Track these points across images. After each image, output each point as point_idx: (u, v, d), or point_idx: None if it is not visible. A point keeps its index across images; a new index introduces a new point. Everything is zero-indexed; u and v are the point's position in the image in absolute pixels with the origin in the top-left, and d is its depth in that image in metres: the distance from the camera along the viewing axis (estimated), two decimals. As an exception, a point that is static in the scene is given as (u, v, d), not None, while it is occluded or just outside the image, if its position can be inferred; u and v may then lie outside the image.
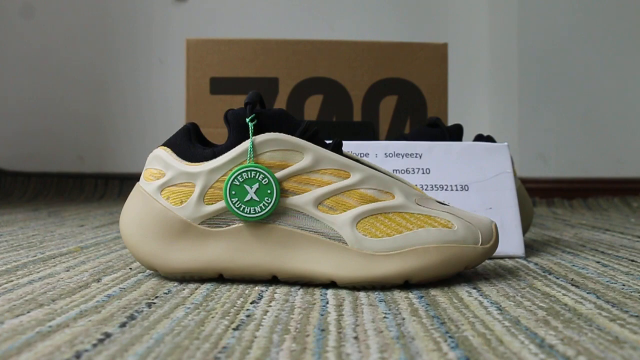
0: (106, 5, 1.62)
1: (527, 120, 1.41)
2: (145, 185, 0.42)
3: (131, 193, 0.43)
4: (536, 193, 1.34)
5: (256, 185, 0.39)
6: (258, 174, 0.39)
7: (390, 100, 0.87)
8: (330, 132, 0.82)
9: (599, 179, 1.39)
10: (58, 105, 1.62)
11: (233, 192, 0.39)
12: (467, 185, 0.54)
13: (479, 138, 0.61)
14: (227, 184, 0.39)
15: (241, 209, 0.39)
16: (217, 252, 0.40)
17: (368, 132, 0.84)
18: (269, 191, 0.39)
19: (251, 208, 0.39)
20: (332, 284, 0.40)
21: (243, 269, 0.40)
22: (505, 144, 0.56)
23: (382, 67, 0.87)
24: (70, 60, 1.62)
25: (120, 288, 0.39)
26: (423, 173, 0.55)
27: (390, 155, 0.55)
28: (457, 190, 0.54)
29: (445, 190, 0.54)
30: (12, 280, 0.41)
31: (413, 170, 0.55)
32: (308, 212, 0.39)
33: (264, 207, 0.39)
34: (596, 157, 1.41)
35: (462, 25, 1.63)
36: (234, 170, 0.39)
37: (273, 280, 0.41)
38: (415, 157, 0.55)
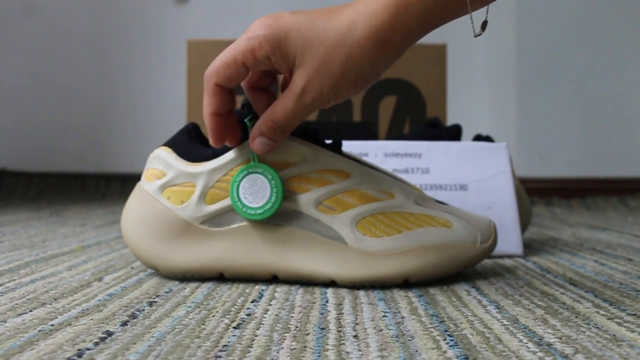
0: (107, 7, 1.63)
1: (526, 120, 1.41)
2: (146, 185, 0.42)
3: (132, 193, 0.43)
4: (534, 192, 1.34)
5: (260, 185, 0.39)
6: (263, 173, 0.39)
7: (389, 101, 0.88)
8: (330, 132, 0.83)
9: (597, 178, 1.39)
10: (60, 106, 1.62)
11: (238, 192, 0.39)
12: (466, 184, 0.55)
13: (478, 138, 0.61)
14: (233, 183, 0.39)
15: (245, 209, 0.39)
16: (217, 251, 0.40)
17: (368, 132, 0.84)
18: (272, 190, 0.39)
19: (255, 207, 0.39)
20: (332, 283, 0.40)
21: (243, 268, 0.40)
22: (504, 143, 0.57)
23: (382, 68, 0.87)
24: (71, 61, 1.62)
25: (121, 287, 0.39)
26: (422, 173, 0.55)
27: (390, 155, 0.55)
28: (456, 189, 0.54)
29: (444, 189, 0.54)
30: (14, 279, 0.42)
31: (412, 170, 0.55)
32: (308, 211, 0.40)
33: (267, 206, 0.39)
34: (594, 156, 1.41)
35: (461, 26, 1.63)
36: (240, 170, 0.39)
37: (273, 279, 0.41)
38: (415, 157, 0.55)
